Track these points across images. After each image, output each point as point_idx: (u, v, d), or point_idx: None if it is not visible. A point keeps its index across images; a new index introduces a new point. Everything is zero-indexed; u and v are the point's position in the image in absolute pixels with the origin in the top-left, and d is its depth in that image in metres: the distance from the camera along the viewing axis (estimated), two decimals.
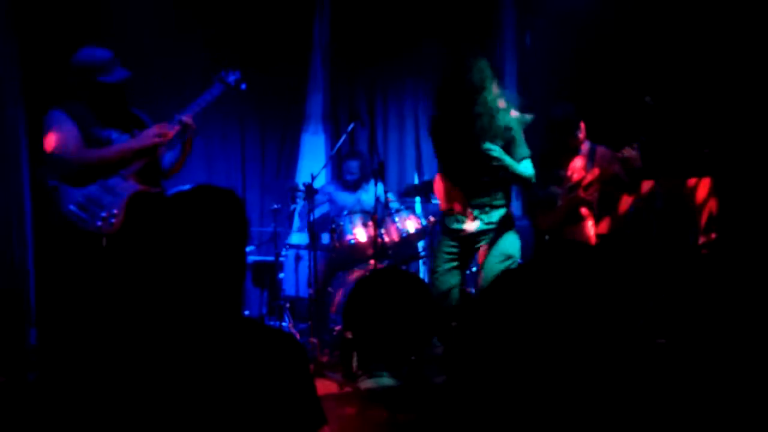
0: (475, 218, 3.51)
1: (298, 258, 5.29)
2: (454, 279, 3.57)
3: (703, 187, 4.46)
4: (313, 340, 4.50)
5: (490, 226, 3.51)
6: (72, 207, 2.98)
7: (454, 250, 3.58)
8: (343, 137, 5.14)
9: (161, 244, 1.38)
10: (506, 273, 3.16)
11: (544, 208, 4.35)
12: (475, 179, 3.50)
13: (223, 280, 1.40)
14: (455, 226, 3.57)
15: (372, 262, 4.62)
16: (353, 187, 5.50)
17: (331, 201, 5.56)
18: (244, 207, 1.47)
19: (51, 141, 3.01)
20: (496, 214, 3.52)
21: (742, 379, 3.13)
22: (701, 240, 4.29)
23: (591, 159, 4.31)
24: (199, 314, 1.37)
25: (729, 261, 4.11)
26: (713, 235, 4.23)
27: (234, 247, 1.43)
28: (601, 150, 4.31)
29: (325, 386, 3.96)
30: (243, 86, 3.58)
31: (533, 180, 3.52)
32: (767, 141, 4.21)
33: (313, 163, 6.08)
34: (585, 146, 4.36)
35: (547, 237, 4.33)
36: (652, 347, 3.82)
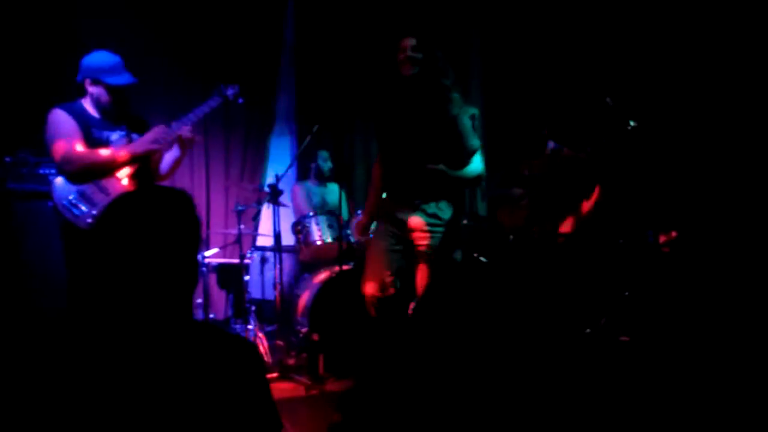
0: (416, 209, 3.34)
1: (263, 260, 5.26)
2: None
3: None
4: (280, 342, 4.47)
5: (434, 221, 3.32)
6: (65, 202, 3.06)
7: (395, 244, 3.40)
8: (308, 138, 5.12)
9: (113, 244, 1.35)
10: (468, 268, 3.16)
11: (509, 207, 4.39)
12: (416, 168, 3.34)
13: (174, 282, 1.37)
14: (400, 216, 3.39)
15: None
16: (325, 180, 5.49)
17: (309, 198, 5.54)
18: (195, 206, 1.44)
19: (52, 141, 3.10)
20: (433, 207, 3.33)
21: (706, 376, 3.19)
22: (662, 239, 4.36)
23: (555, 156, 4.36)
24: (151, 316, 1.34)
25: (690, 259, 4.19)
26: (673, 234, 4.31)
27: (185, 248, 1.40)
28: (564, 151, 4.37)
29: (291, 389, 3.94)
30: (240, 100, 3.67)
31: (483, 177, 3.42)
32: (725, 140, 4.31)
33: (280, 164, 6.05)
34: (549, 146, 4.41)
35: (511, 236, 4.36)
36: (616, 345, 3.87)
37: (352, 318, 4.37)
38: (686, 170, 4.43)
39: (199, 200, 5.77)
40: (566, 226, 4.30)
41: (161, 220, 1.37)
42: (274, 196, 4.56)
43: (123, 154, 3.19)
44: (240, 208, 4.94)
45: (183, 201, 1.42)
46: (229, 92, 3.61)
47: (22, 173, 4.10)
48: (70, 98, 3.25)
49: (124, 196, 1.40)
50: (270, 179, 5.50)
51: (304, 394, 3.87)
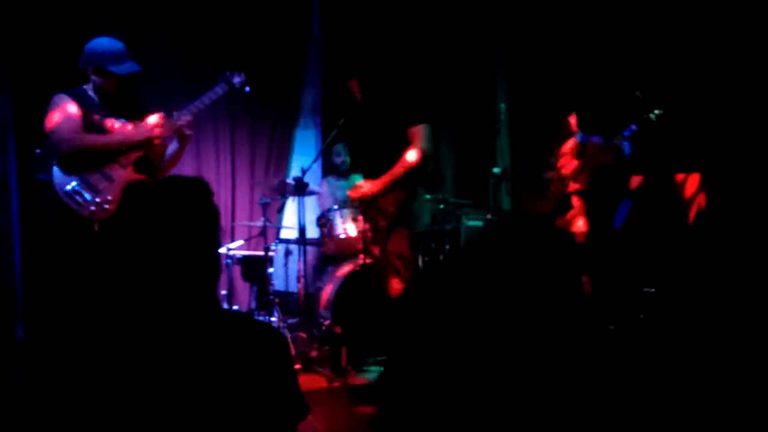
0: None
1: (287, 253, 5.28)
2: None
3: (691, 183, 4.47)
4: (303, 335, 4.49)
5: None
6: (68, 189, 3.02)
7: None
8: (334, 131, 5.12)
9: (132, 234, 1.36)
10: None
11: (537, 195, 4.36)
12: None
13: (196, 270, 1.37)
14: None
15: (362, 256, 4.61)
16: (344, 174, 5.51)
17: (334, 193, 5.56)
18: (212, 194, 1.44)
19: (50, 122, 3.07)
20: None
21: (730, 378, 3.14)
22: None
23: (582, 148, 4.32)
24: (175, 305, 1.34)
25: (717, 256, 4.13)
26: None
27: (204, 235, 1.40)
28: (592, 139, 4.32)
29: (313, 381, 3.95)
30: (247, 88, 3.60)
31: (426, 155, 3.47)
32: (756, 137, 4.23)
33: (305, 157, 6.06)
34: (577, 136, 4.38)
35: (537, 226, 4.34)
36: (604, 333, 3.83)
37: (375, 311, 4.38)
38: (712, 161, 4.36)
39: (225, 192, 5.81)
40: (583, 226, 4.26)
41: (178, 208, 1.38)
42: (300, 189, 4.57)
43: (115, 139, 3.13)
44: (265, 200, 4.95)
45: (200, 189, 1.42)
46: (236, 80, 3.53)
47: (51, 164, 4.15)
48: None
49: (141, 187, 1.41)
50: (295, 172, 5.52)
51: (326, 386, 3.88)
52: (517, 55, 6.28)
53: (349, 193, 3.64)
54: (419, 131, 3.46)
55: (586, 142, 4.33)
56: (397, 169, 3.47)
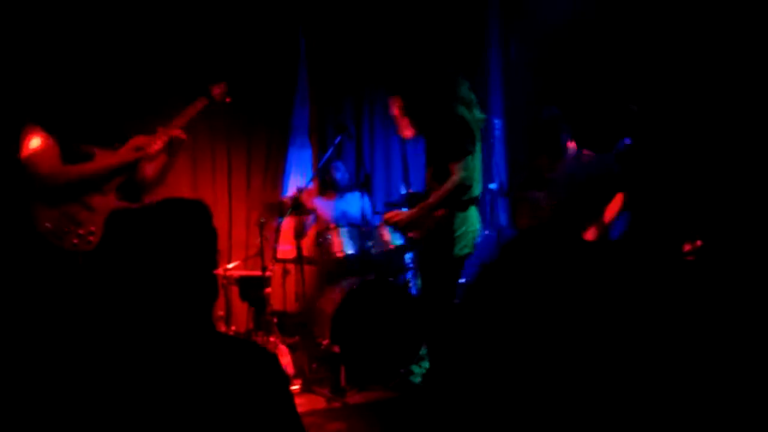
0: None
1: (285, 272, 5.26)
2: None
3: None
4: (301, 354, 4.46)
5: None
6: (48, 224, 2.87)
7: None
8: (330, 150, 5.13)
9: (129, 257, 1.35)
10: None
11: (529, 212, 4.36)
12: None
13: (193, 292, 1.37)
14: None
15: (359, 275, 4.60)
16: (340, 191, 5.49)
17: (329, 212, 5.56)
18: (211, 216, 1.44)
19: (28, 156, 2.91)
20: None
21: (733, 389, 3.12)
22: (686, 247, 4.29)
23: (576, 162, 4.32)
24: (171, 329, 1.34)
25: (716, 269, 4.11)
26: (698, 243, 4.23)
27: (202, 258, 1.40)
28: (585, 153, 4.33)
29: (313, 401, 3.92)
30: (228, 100, 3.55)
31: (464, 184, 3.54)
32: (753, 147, 4.24)
33: (300, 176, 6.06)
34: (571, 150, 4.38)
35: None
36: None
37: (374, 329, 4.36)
38: (711, 175, 4.36)
39: (222, 213, 5.80)
40: (589, 234, 4.25)
41: (178, 231, 1.37)
42: (297, 208, 4.57)
43: (100, 166, 3.01)
44: (262, 220, 4.94)
45: (200, 212, 1.42)
46: (216, 92, 3.48)
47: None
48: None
49: (141, 210, 1.41)
50: (291, 191, 5.52)
51: (325, 406, 3.85)
52: (511, 60, 6.32)
53: (385, 217, 3.76)
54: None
55: (580, 153, 4.34)
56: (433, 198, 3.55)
